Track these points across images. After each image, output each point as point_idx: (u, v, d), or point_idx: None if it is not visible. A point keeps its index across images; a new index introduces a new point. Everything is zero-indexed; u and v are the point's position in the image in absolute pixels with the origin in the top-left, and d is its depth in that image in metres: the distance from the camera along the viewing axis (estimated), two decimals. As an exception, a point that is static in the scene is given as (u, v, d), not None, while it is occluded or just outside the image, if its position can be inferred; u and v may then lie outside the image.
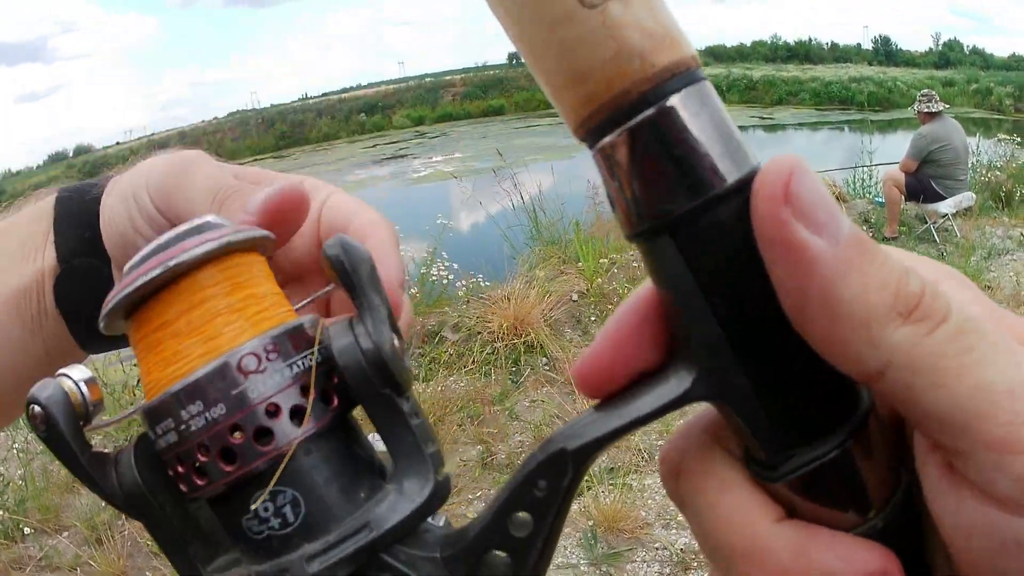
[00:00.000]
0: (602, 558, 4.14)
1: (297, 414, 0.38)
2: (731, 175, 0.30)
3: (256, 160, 52.65)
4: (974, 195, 9.29)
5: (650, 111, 0.30)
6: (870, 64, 67.70)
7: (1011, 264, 8.13)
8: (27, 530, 4.74)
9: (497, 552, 0.37)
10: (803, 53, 77.64)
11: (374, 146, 47.11)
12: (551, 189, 9.53)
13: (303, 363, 0.40)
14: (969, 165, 9.64)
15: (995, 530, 0.28)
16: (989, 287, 7.40)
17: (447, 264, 7.84)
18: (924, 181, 8.67)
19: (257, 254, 0.44)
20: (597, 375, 0.36)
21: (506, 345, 6.29)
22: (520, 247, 8.54)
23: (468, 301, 7.02)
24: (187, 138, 68.40)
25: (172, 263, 0.39)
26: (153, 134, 77.63)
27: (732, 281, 0.31)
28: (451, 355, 6.43)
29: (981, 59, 66.56)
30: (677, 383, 0.33)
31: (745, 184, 0.30)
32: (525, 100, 66.50)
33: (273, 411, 0.38)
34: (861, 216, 9.59)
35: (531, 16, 0.30)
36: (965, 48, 73.75)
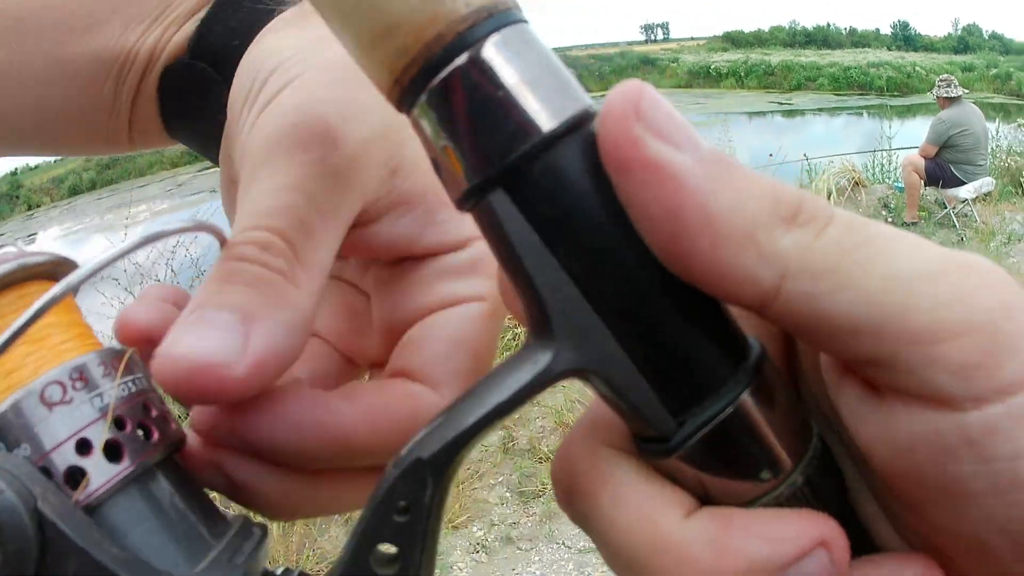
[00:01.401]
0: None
1: (114, 450, 0.33)
2: (564, 112, 0.27)
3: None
4: (994, 180, 9.22)
5: (467, 53, 0.27)
6: (889, 49, 67.16)
7: (1031, 249, 8.08)
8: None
9: None
10: (821, 38, 77.06)
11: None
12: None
13: (117, 392, 0.34)
14: (989, 150, 9.58)
15: (939, 434, 0.25)
16: (1009, 273, 7.37)
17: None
18: (944, 166, 8.63)
19: (49, 282, 0.37)
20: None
21: (525, 331, 6.26)
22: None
23: (488, 287, 7.02)
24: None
25: None
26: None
27: (581, 228, 0.27)
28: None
29: (1000, 44, 65.87)
30: (536, 359, 0.29)
31: (581, 121, 0.28)
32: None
33: (84, 447, 0.32)
34: (881, 201, 9.55)
35: None
36: (984, 33, 73.08)
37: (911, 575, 0.29)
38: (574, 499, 0.31)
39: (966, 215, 8.94)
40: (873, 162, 11.35)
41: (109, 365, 0.35)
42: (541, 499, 4.57)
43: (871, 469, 0.29)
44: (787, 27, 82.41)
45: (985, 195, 9.06)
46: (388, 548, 0.30)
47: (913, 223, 8.87)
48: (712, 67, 57.73)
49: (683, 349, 0.28)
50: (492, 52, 0.27)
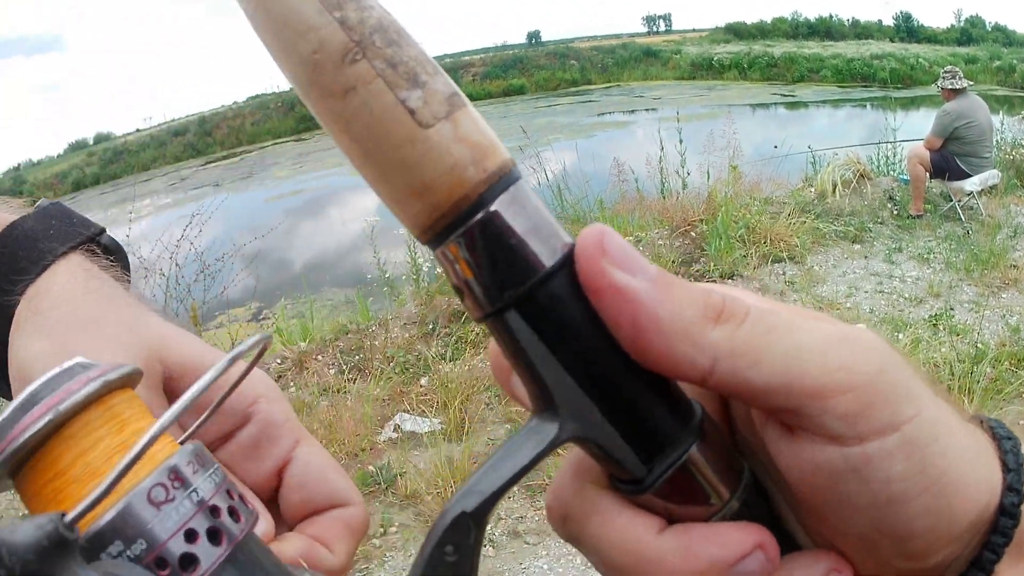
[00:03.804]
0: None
1: (214, 535, 0.39)
2: (557, 251, 0.36)
3: (277, 143, 52.58)
4: (999, 173, 9.20)
5: (488, 209, 0.35)
6: (891, 41, 67.13)
7: (1037, 242, 8.08)
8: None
9: None
10: (824, 30, 77.02)
11: (394, 126, 46.90)
12: (574, 167, 9.51)
13: (206, 485, 0.40)
14: (994, 143, 9.57)
15: (831, 463, 0.35)
16: (1015, 266, 7.37)
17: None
18: (949, 158, 8.62)
19: (131, 390, 0.44)
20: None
21: (533, 324, 6.28)
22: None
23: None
24: (207, 123, 68.28)
25: (62, 407, 0.38)
26: (172, 120, 77.49)
27: (572, 337, 0.36)
28: (477, 334, 6.47)
29: (1004, 35, 65.69)
30: (545, 432, 0.38)
31: (568, 258, 0.36)
32: (545, 79, 66.20)
33: (191, 536, 0.38)
34: (886, 193, 9.53)
35: (376, 141, 0.34)
36: (987, 24, 73.01)
37: (825, 566, 0.39)
38: (568, 524, 0.41)
39: (972, 208, 8.92)
40: (878, 154, 11.36)
41: (193, 462, 0.40)
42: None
43: (787, 488, 0.40)
44: (790, 18, 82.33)
45: (991, 188, 9.05)
46: None
47: (919, 215, 8.88)
48: (715, 59, 57.78)
49: (649, 416, 0.38)
50: (504, 207, 0.35)
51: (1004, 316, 6.46)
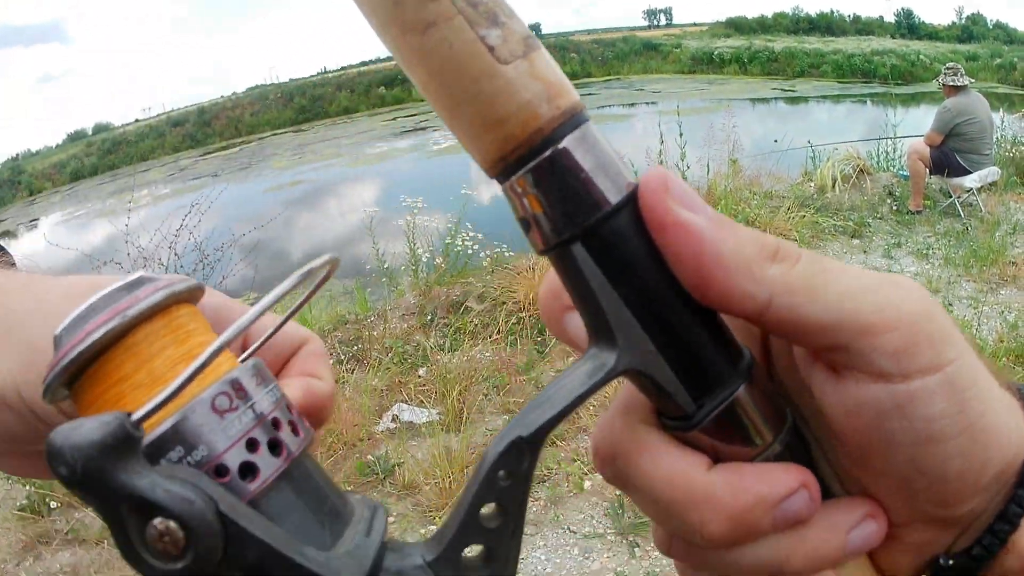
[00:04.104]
0: (629, 528, 4.16)
1: (274, 446, 0.39)
2: (622, 189, 0.38)
3: (276, 134, 52.50)
4: (999, 170, 9.21)
5: (561, 144, 0.37)
6: (892, 37, 67.15)
7: (1036, 240, 8.08)
8: (53, 504, 4.73)
9: (475, 546, 0.40)
10: (825, 25, 77.01)
11: (394, 119, 46.88)
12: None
13: (267, 399, 0.41)
14: (994, 140, 9.57)
15: (877, 400, 0.37)
16: (1014, 263, 7.37)
17: (471, 234, 7.85)
18: (949, 155, 8.62)
19: (194, 305, 0.45)
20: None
21: (531, 315, 6.30)
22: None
23: (493, 271, 7.02)
24: (206, 114, 68.31)
25: (129, 313, 0.39)
26: (172, 110, 77.47)
27: (633, 271, 0.38)
28: (476, 325, 6.46)
29: (1004, 33, 65.77)
30: (603, 362, 0.39)
31: (631, 197, 0.38)
32: (545, 71, 66.08)
33: (252, 446, 0.39)
34: (886, 189, 9.54)
35: (454, 75, 0.35)
36: (989, 22, 73.01)
37: (862, 512, 0.41)
38: (616, 462, 0.43)
39: (971, 204, 8.93)
40: (878, 150, 11.37)
41: (256, 376, 0.41)
42: (546, 484, 4.59)
43: (829, 432, 0.41)
44: (790, 13, 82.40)
45: (991, 185, 9.06)
46: (493, 507, 0.39)
47: (918, 211, 8.89)
48: (715, 53, 57.74)
49: (702, 353, 0.40)
50: (573, 144, 0.37)
51: (1002, 312, 6.45)
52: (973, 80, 8.90)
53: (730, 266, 0.37)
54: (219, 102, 75.03)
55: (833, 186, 9.49)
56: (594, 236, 0.37)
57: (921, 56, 45.01)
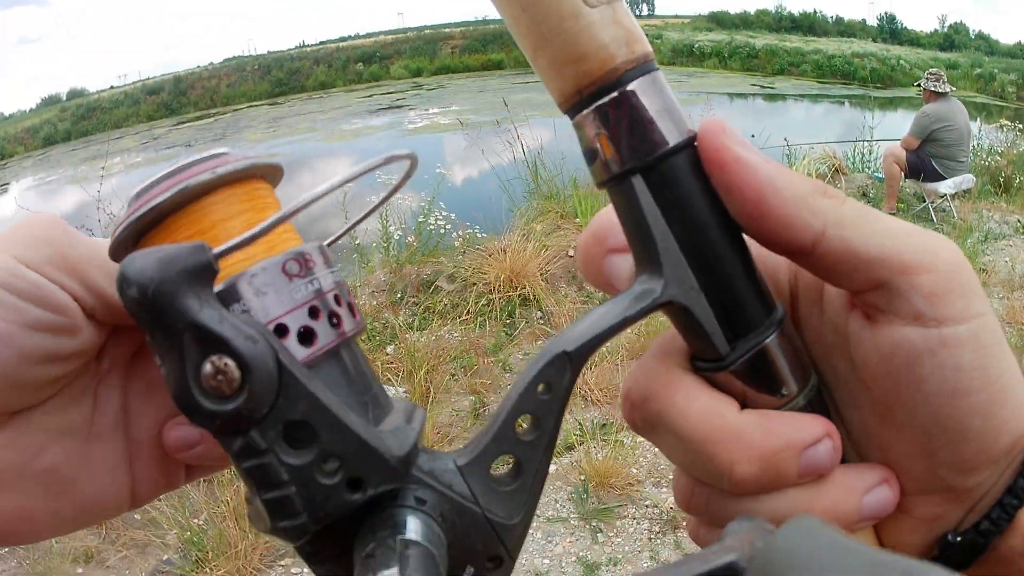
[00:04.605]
0: (592, 513, 4.17)
1: (333, 318, 0.42)
2: (682, 133, 0.41)
3: (251, 107, 52.36)
4: (974, 178, 9.29)
5: (634, 83, 0.40)
6: (874, 40, 67.52)
7: (1007, 249, 8.16)
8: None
9: (507, 456, 0.42)
10: (807, 25, 77.41)
11: (371, 96, 46.80)
12: (551, 145, 9.49)
13: (330, 278, 0.43)
14: (971, 148, 9.64)
15: (911, 344, 0.39)
16: (984, 270, 7.43)
17: (444, 214, 7.81)
18: (925, 160, 8.67)
19: (271, 186, 0.48)
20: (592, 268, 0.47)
21: (501, 297, 6.31)
22: (518, 200, 8.52)
23: (464, 252, 7.00)
24: (182, 83, 68.04)
25: (219, 171, 0.42)
26: (148, 78, 76.87)
27: (687, 208, 0.41)
28: (446, 305, 6.44)
29: (986, 44, 66.30)
30: (649, 290, 0.41)
31: (689, 142, 0.41)
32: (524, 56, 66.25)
33: (314, 313, 0.41)
34: (860, 190, 9.57)
35: (547, 11, 0.39)
36: (971, 32, 73.51)
37: (878, 475, 0.43)
38: (648, 404, 0.44)
39: (944, 210, 8.99)
40: (854, 151, 11.41)
41: (322, 256, 0.43)
42: (510, 468, 4.58)
43: (857, 388, 0.43)
44: (773, 11, 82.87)
45: (965, 192, 9.12)
46: (530, 419, 0.42)
47: (891, 214, 8.89)
48: (696, 46, 57.90)
49: (741, 296, 0.42)
50: (641, 87, 0.40)
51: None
52: (954, 88, 8.94)
53: (787, 198, 0.39)
54: (195, 71, 74.59)
55: (808, 184, 9.51)
56: (653, 171, 0.40)
57: (901, 61, 45.34)
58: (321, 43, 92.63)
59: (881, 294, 0.40)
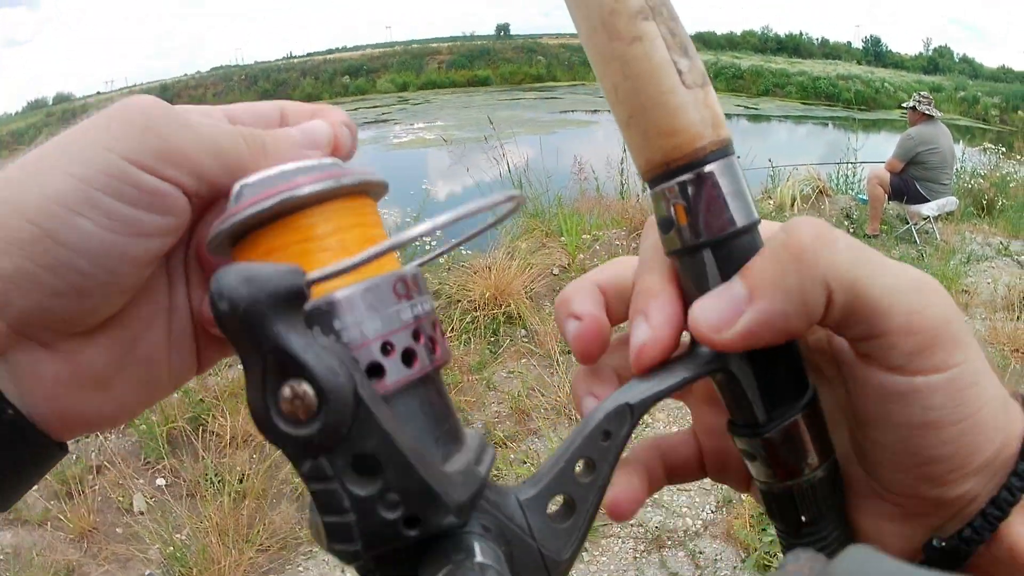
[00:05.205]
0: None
1: (430, 344, 0.43)
2: (750, 217, 0.43)
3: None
4: (957, 200, 9.32)
5: (714, 164, 0.42)
6: (859, 63, 67.85)
7: (989, 271, 8.19)
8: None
9: (562, 495, 0.44)
10: (792, 46, 77.82)
11: (356, 109, 46.66)
12: (536, 162, 9.50)
13: (426, 305, 0.43)
14: (955, 170, 9.69)
15: (883, 386, 0.42)
16: (966, 291, 7.45)
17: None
18: (909, 182, 8.70)
19: (375, 202, 0.48)
20: (655, 353, 0.46)
21: (486, 315, 6.27)
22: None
23: (449, 269, 6.97)
24: (169, 91, 67.88)
25: (343, 180, 0.43)
26: (135, 85, 76.79)
27: None
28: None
29: (970, 68, 66.79)
30: (703, 359, 0.46)
31: (753, 225, 0.44)
32: (511, 72, 66.29)
33: (417, 336, 0.42)
34: (843, 212, 9.63)
35: (647, 83, 0.41)
36: (955, 55, 73.98)
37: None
38: None
39: (927, 232, 9.03)
40: (838, 173, 11.45)
41: (420, 281, 0.44)
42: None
43: (844, 393, 0.47)
44: (760, 32, 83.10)
45: (948, 214, 9.15)
46: (589, 463, 0.44)
47: (874, 235, 8.96)
48: (682, 66, 58.05)
49: (781, 373, 0.46)
50: (721, 169, 0.42)
51: (954, 341, 6.45)
52: (940, 113, 8.99)
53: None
54: (182, 79, 74.56)
55: (792, 205, 9.58)
56: (722, 247, 0.43)
57: (886, 84, 45.60)
58: (308, 55, 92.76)
59: (863, 344, 0.42)
